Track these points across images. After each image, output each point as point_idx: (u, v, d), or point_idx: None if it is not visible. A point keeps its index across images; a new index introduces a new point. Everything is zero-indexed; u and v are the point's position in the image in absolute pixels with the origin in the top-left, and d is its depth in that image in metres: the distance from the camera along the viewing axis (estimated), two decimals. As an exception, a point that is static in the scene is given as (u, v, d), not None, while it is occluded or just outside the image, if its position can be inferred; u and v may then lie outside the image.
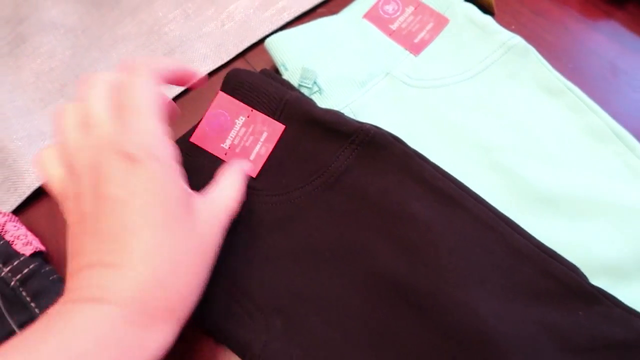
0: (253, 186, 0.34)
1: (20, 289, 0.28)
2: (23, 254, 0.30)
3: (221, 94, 0.36)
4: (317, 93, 0.36)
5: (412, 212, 0.31)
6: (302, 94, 0.35)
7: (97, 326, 0.22)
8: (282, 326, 0.30)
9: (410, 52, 0.39)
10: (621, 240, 0.32)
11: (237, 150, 0.34)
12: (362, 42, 0.39)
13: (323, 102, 0.36)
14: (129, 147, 0.25)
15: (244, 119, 0.35)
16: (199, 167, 0.34)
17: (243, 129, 0.35)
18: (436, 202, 0.32)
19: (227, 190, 0.30)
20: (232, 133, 0.35)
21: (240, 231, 0.32)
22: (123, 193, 0.24)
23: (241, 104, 0.35)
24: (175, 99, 0.39)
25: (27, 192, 0.35)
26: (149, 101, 0.26)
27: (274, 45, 0.38)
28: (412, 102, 0.37)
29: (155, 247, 0.24)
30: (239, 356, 0.30)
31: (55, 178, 0.26)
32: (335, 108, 0.35)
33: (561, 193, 0.33)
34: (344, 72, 0.37)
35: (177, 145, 0.33)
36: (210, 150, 0.35)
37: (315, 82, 0.36)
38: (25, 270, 0.28)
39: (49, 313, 0.22)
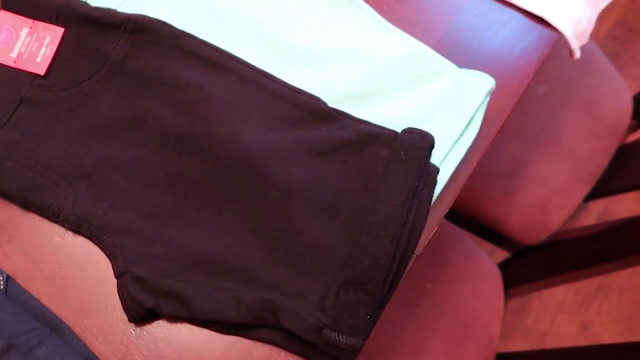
0: (44, 84, 0.38)
1: None
2: None
3: (3, 11, 0.39)
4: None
5: (185, 80, 0.38)
6: (73, -1, 0.39)
7: None
8: (87, 187, 0.36)
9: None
10: (354, 76, 0.40)
11: (25, 56, 0.38)
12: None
13: (102, 3, 0.41)
14: None
15: (27, 30, 0.39)
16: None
17: (28, 38, 0.39)
18: (205, 69, 0.38)
19: None
20: (19, 43, 0.39)
21: (37, 123, 0.37)
22: None
23: (22, 17, 0.39)
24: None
25: None
26: None
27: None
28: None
29: None
30: (53, 219, 0.35)
31: None
32: (112, 6, 0.40)
33: (308, 49, 0.41)
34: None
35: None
36: None
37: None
38: None
39: None
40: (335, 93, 0.40)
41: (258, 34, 0.42)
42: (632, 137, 0.86)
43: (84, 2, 0.39)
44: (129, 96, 0.38)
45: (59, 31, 0.39)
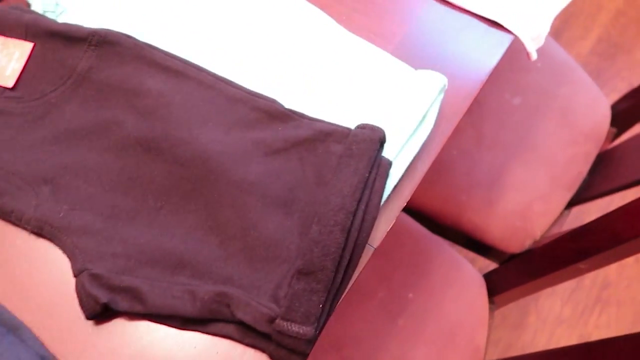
0: (12, 96, 0.40)
1: None
2: None
3: (-24, 31, 0.42)
4: (64, 13, 0.43)
5: (147, 87, 0.39)
6: (40, 15, 0.41)
7: None
8: (49, 192, 0.37)
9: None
10: (312, 79, 0.42)
11: (-5, 71, 0.40)
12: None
13: (70, 19, 0.43)
14: None
15: (-1, 46, 0.41)
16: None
17: (-1, 55, 0.41)
18: (167, 77, 0.40)
19: None
20: (-10, 59, 0.41)
21: (4, 132, 0.38)
22: None
23: (-6, 35, 0.41)
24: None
25: None
26: None
27: (19, -16, 0.44)
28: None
29: None
30: (16, 222, 0.36)
31: None
32: (80, 22, 0.42)
33: (268, 54, 0.43)
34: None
35: None
36: (-29, 76, 0.40)
37: (57, 5, 0.43)
38: None
39: None
40: (294, 95, 0.41)
41: (213, 40, 0.43)
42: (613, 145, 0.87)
43: (51, 19, 0.41)
44: (93, 105, 0.40)
45: (28, 46, 0.41)
